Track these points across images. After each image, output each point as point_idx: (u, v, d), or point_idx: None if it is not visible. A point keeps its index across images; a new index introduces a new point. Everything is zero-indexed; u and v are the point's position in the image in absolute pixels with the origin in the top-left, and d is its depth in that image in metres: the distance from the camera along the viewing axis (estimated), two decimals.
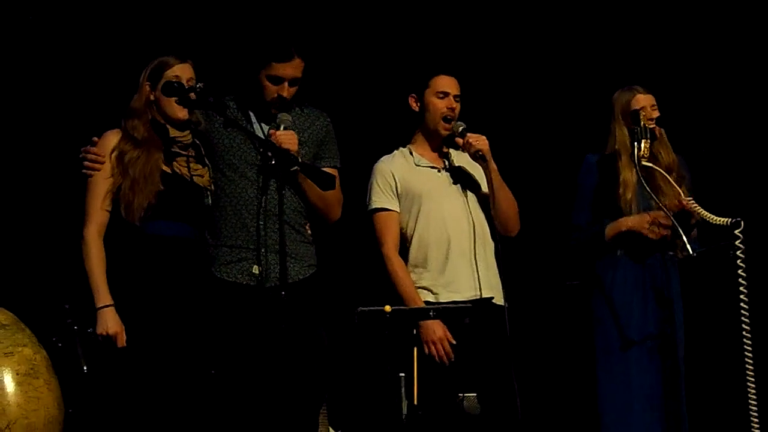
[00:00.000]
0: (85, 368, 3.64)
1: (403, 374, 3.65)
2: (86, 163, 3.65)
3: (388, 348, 3.68)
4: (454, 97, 4.12)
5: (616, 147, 4.19)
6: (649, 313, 4.14)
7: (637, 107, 4.16)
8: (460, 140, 4.06)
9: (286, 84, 3.78)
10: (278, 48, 3.76)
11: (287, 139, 3.68)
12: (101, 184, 3.64)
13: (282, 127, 3.72)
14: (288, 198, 3.78)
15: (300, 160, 3.69)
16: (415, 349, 3.77)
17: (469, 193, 4.16)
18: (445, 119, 4.11)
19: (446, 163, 4.17)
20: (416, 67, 4.30)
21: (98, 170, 3.64)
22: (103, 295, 3.57)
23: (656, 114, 4.17)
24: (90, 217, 3.63)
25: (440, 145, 4.18)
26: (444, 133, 4.12)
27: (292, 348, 3.58)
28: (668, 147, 4.20)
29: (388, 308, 3.54)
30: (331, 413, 4.01)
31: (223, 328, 3.69)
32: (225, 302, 3.73)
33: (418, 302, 3.98)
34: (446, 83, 4.13)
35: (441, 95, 4.11)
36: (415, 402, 3.67)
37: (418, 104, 4.15)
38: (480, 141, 4.02)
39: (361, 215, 4.16)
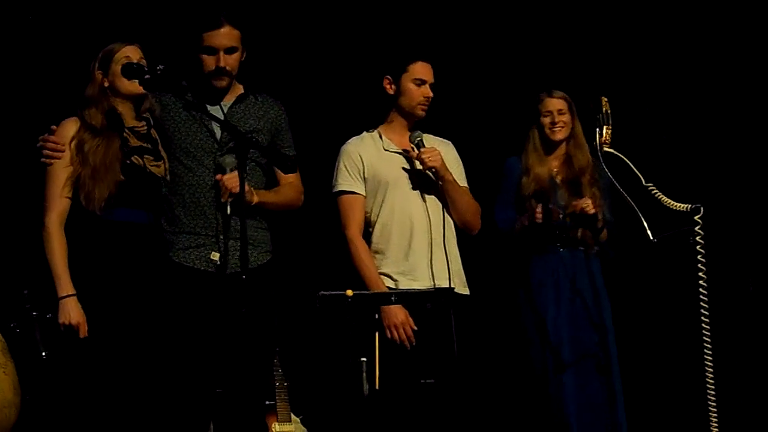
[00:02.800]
0: (43, 354, 3.61)
1: (364, 359, 3.66)
2: (45, 151, 3.61)
3: (350, 332, 3.68)
4: (430, 85, 4.09)
5: (527, 146, 4.36)
6: (563, 310, 4.23)
7: (543, 111, 4.31)
8: (414, 153, 4.05)
9: (221, 53, 3.77)
10: (206, 18, 3.77)
11: (232, 183, 3.67)
12: (61, 173, 3.60)
13: (228, 170, 3.71)
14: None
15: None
16: (377, 333, 3.76)
17: (436, 181, 4.16)
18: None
19: (415, 149, 4.16)
20: (393, 50, 4.26)
21: (58, 158, 3.61)
22: (65, 285, 3.55)
23: (564, 118, 4.29)
24: (51, 205, 3.60)
25: (413, 126, 4.15)
26: (421, 114, 4.09)
27: (246, 333, 3.56)
28: (584, 149, 4.33)
29: (349, 293, 3.54)
30: (293, 398, 4.01)
31: (181, 312, 3.67)
32: (182, 287, 3.72)
33: (381, 287, 3.97)
34: (424, 70, 4.10)
35: (418, 82, 4.08)
36: (377, 387, 3.67)
37: (393, 87, 4.11)
38: (432, 158, 4.00)
39: (324, 200, 4.15)
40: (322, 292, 3.52)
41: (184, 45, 3.87)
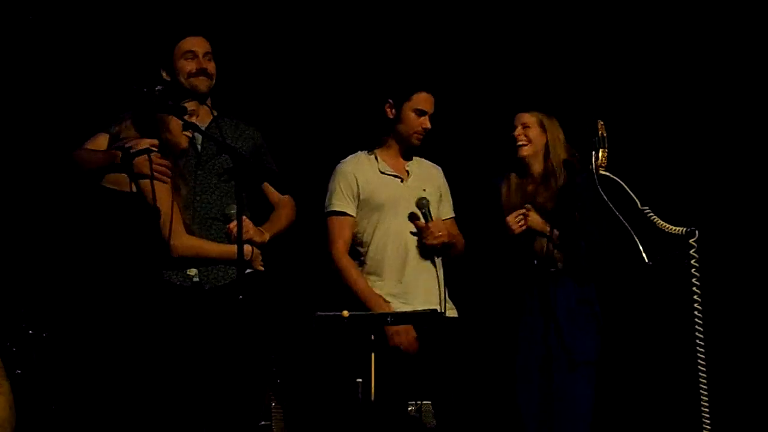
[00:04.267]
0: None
1: (360, 380, 3.66)
2: (162, 169, 3.61)
3: (346, 353, 3.69)
4: (430, 116, 4.12)
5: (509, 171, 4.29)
6: (536, 333, 4.16)
7: (513, 125, 4.22)
8: (421, 223, 4.06)
9: (201, 57, 3.86)
10: (182, 26, 3.89)
11: (245, 228, 3.67)
12: (170, 194, 3.63)
13: (234, 219, 3.73)
14: (219, 198, 3.78)
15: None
16: (373, 354, 3.76)
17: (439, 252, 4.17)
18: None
19: (408, 173, 4.18)
20: (398, 75, 4.29)
21: (168, 179, 3.63)
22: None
23: (529, 133, 4.19)
24: (178, 223, 3.65)
25: (407, 151, 4.18)
26: (416, 143, 4.13)
27: (228, 347, 3.57)
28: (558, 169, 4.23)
29: (345, 313, 3.55)
30: (288, 419, 4.01)
31: (160, 328, 3.66)
32: (161, 303, 3.71)
33: (377, 299, 3.99)
34: (426, 102, 4.12)
35: (419, 113, 4.10)
36: (372, 407, 3.67)
37: (393, 112, 4.12)
38: (440, 236, 4.03)
39: (318, 218, 4.17)
40: (319, 313, 3.53)
41: (158, 58, 3.91)
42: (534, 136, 4.21)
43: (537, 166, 4.24)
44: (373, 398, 3.64)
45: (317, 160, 4.49)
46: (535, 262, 4.21)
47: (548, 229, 4.16)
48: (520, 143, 4.20)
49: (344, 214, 4.08)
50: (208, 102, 3.94)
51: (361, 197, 4.09)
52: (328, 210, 4.10)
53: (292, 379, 4.14)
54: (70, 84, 4.53)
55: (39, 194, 4.24)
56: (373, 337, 3.80)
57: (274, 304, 3.94)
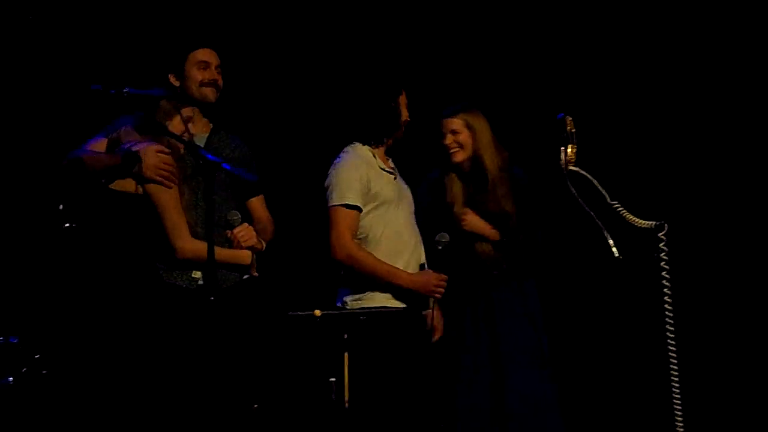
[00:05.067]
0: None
1: (333, 379, 3.66)
2: (168, 174, 3.66)
3: (319, 352, 3.69)
4: None
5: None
6: (483, 336, 4.19)
7: (443, 130, 4.23)
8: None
9: (213, 68, 3.90)
10: (196, 36, 3.93)
11: (244, 237, 3.77)
12: (177, 198, 3.68)
13: (236, 225, 3.78)
14: (219, 205, 3.80)
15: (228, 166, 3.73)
16: (346, 354, 3.77)
17: (411, 201, 4.20)
18: None
19: (394, 170, 4.19)
20: (392, 73, 4.31)
21: (174, 184, 3.68)
22: None
23: (459, 138, 4.22)
24: (183, 225, 3.69)
25: (392, 148, 4.20)
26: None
27: (220, 351, 3.58)
28: (491, 167, 4.24)
29: (317, 313, 3.55)
30: (262, 419, 4.01)
31: (163, 330, 3.69)
32: (166, 305, 3.73)
33: (403, 273, 4.00)
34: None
35: (407, 106, 4.16)
36: (346, 407, 3.68)
37: (395, 106, 4.13)
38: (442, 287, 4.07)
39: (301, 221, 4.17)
40: (291, 312, 3.53)
41: (167, 63, 3.93)
42: (464, 139, 4.23)
43: (473, 168, 4.25)
44: (346, 397, 3.64)
45: (297, 162, 4.49)
46: (495, 272, 4.20)
47: (488, 230, 4.17)
48: (452, 150, 4.23)
49: (354, 207, 3.99)
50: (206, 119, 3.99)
51: (371, 192, 4.03)
52: (340, 202, 3.98)
53: (265, 379, 4.15)
54: (50, 85, 4.52)
55: (39, 196, 4.25)
56: (345, 336, 3.81)
57: (253, 302, 3.95)
